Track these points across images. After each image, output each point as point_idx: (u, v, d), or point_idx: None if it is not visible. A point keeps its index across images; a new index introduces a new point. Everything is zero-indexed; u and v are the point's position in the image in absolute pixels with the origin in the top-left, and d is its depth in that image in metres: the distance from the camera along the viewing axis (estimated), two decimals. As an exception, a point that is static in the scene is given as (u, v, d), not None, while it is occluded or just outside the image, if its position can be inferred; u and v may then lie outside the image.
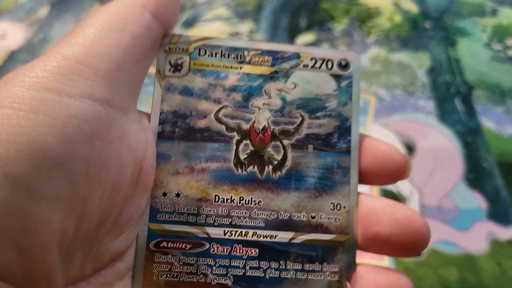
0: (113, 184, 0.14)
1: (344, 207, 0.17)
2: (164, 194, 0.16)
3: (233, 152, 0.16)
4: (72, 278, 0.14)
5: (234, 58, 0.17)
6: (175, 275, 0.16)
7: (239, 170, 0.16)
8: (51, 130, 0.12)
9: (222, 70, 0.17)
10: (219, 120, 0.17)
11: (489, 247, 0.38)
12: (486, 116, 0.51)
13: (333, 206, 0.17)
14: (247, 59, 0.17)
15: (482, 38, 0.64)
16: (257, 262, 0.16)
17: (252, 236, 0.16)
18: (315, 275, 0.16)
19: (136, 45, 0.15)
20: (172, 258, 0.16)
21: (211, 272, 0.16)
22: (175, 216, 0.16)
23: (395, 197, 0.41)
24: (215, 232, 0.16)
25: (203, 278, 0.16)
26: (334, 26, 0.63)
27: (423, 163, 0.45)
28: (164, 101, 0.16)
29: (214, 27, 0.61)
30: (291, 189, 0.17)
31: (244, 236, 0.16)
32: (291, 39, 0.60)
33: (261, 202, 0.16)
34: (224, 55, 0.17)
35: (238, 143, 0.17)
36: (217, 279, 0.16)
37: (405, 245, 0.16)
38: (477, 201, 0.42)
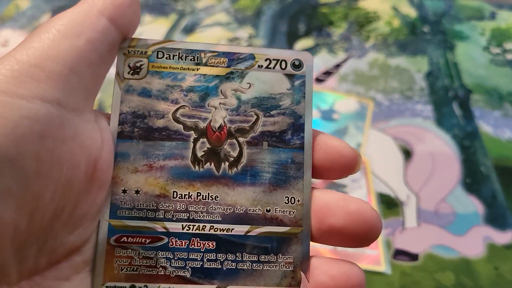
0: (65, 180, 0.14)
1: (298, 201, 0.17)
2: (124, 191, 0.17)
3: (191, 150, 0.17)
4: (27, 272, 0.14)
5: (191, 60, 0.18)
6: (135, 268, 0.16)
7: (196, 167, 0.17)
8: (2, 130, 0.13)
9: (180, 71, 0.18)
10: (176, 120, 0.17)
11: (486, 251, 0.38)
12: (484, 120, 0.51)
13: (287, 200, 0.17)
14: (204, 60, 0.18)
15: (481, 42, 0.64)
16: (214, 255, 0.17)
17: (209, 230, 0.17)
18: (271, 266, 0.17)
19: (91, 49, 0.15)
20: (132, 252, 0.16)
21: (170, 265, 0.16)
22: (134, 212, 0.17)
23: (392, 201, 0.42)
24: (174, 226, 0.17)
25: (162, 271, 0.16)
26: (333, 30, 0.64)
27: (420, 167, 0.45)
28: (124, 102, 0.17)
29: (213, 32, 0.61)
30: (246, 184, 0.17)
31: (201, 230, 0.17)
32: (290, 44, 0.61)
33: (217, 197, 0.17)
34: (181, 58, 0.18)
35: (195, 141, 0.17)
36: (176, 272, 0.16)
37: (357, 236, 0.16)
38: (474, 205, 0.42)
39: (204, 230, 0.17)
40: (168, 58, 0.18)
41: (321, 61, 0.57)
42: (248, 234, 0.17)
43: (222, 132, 0.17)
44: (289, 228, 0.17)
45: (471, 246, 0.39)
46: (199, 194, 0.17)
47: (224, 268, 0.17)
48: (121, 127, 0.17)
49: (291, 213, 0.17)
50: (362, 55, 0.60)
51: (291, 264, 0.17)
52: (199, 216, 0.17)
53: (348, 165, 0.17)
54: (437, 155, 0.46)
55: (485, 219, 0.41)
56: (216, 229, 0.17)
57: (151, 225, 0.17)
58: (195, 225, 0.17)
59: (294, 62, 0.18)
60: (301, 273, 0.17)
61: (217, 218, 0.17)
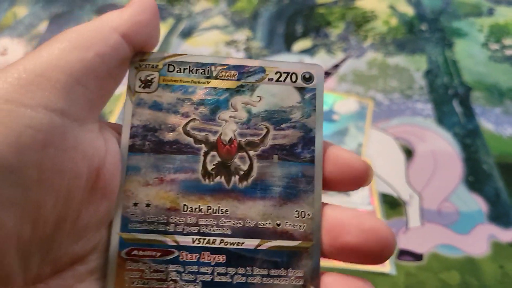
0: (67, 189, 0.14)
1: (309, 215, 0.17)
2: (135, 204, 0.17)
3: (201, 164, 0.17)
4: (31, 280, 0.14)
5: (201, 73, 0.18)
6: (146, 281, 0.16)
7: (207, 180, 0.17)
8: (4, 139, 0.13)
9: (190, 85, 0.18)
10: (187, 133, 0.17)
11: (490, 250, 0.38)
12: (485, 117, 0.51)
13: (298, 213, 0.17)
14: (214, 74, 0.18)
15: (479, 39, 0.64)
16: (225, 269, 0.17)
17: (219, 244, 0.17)
18: (281, 280, 0.17)
19: (100, 63, 0.15)
20: (143, 266, 0.16)
21: (181, 278, 0.16)
22: (145, 225, 0.17)
23: (395, 201, 0.41)
24: (184, 240, 0.17)
25: (172, 285, 0.16)
26: (330, 31, 0.63)
27: (422, 167, 0.45)
28: (135, 115, 0.17)
29: (211, 36, 0.61)
30: (257, 198, 0.17)
31: (212, 244, 0.17)
32: (287, 45, 0.60)
33: (228, 210, 0.17)
34: (192, 71, 0.18)
35: (206, 154, 0.17)
36: (186, 285, 0.16)
37: (372, 254, 0.16)
38: (477, 203, 0.42)
39: (214, 244, 0.17)
40: (179, 71, 0.18)
41: (319, 62, 0.57)
42: (258, 248, 0.17)
43: (232, 145, 0.17)
44: (299, 242, 0.17)
45: (476, 244, 0.39)
46: (209, 207, 0.17)
47: (234, 282, 0.17)
48: (132, 140, 0.17)
49: (302, 227, 0.17)
50: (361, 55, 0.59)
51: (302, 279, 0.17)
52: (210, 230, 0.17)
53: (359, 178, 0.17)
54: (439, 154, 0.46)
55: (489, 217, 0.41)
56: (226, 243, 0.17)
57: (162, 239, 0.17)
58: (205, 239, 0.17)
59: (305, 75, 0.18)
60: (311, 287, 0.17)
61: (227, 232, 0.17)
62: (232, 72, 0.18)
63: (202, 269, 0.17)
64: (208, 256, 0.17)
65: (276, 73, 0.18)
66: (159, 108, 0.17)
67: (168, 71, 0.18)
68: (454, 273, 0.37)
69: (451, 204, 0.41)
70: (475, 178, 0.44)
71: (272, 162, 0.17)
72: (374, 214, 0.17)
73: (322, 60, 0.58)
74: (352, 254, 0.16)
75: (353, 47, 0.61)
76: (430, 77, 0.56)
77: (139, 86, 0.17)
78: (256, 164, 0.17)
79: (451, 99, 0.53)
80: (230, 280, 0.17)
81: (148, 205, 0.17)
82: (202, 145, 0.17)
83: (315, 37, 0.62)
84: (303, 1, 0.70)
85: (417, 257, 0.38)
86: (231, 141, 0.17)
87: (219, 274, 0.17)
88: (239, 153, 0.17)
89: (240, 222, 0.17)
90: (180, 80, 0.18)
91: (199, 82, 0.18)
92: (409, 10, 0.68)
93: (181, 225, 0.17)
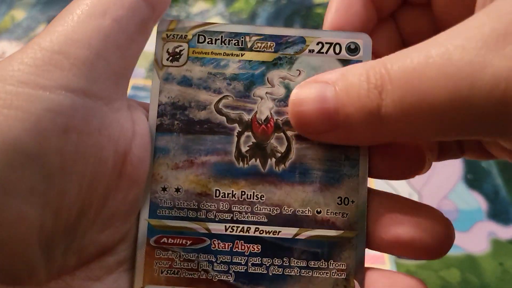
0: (91, 176, 0.14)
1: (352, 202, 0.16)
2: (164, 189, 0.16)
3: (234, 145, 0.16)
4: (56, 271, 0.14)
5: (235, 44, 0.16)
6: (176, 271, 0.15)
7: (241, 163, 0.16)
8: (24, 124, 0.12)
9: (222, 57, 0.16)
10: (219, 111, 0.16)
11: (490, 247, 0.38)
12: (483, 115, 0.51)
13: (340, 200, 0.16)
14: (249, 45, 0.16)
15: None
16: (260, 259, 0.16)
17: (254, 232, 0.16)
18: (321, 273, 0.16)
19: (119, 30, 0.14)
20: (173, 254, 0.16)
21: (212, 268, 0.16)
22: (175, 211, 0.16)
23: (394, 200, 0.42)
24: (216, 227, 0.16)
25: (204, 275, 0.15)
26: (329, 30, 0.63)
27: (421, 165, 0.45)
28: (163, 92, 0.16)
29: (209, 37, 0.61)
30: (295, 183, 0.16)
31: (246, 232, 0.16)
32: (286, 45, 0.61)
33: (263, 196, 0.16)
34: (224, 42, 0.16)
35: (240, 135, 0.16)
36: (219, 276, 0.16)
37: (427, 248, 0.15)
38: (476, 201, 0.42)
39: (248, 232, 0.16)
40: (210, 42, 0.16)
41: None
42: (296, 237, 0.16)
43: (269, 125, 0.16)
44: (342, 231, 0.16)
45: (475, 242, 0.39)
46: (243, 193, 0.16)
47: (270, 274, 0.16)
48: (160, 119, 0.16)
49: (345, 215, 0.16)
50: (359, 54, 0.59)
51: (344, 272, 0.16)
52: (243, 217, 0.16)
53: (414, 164, 0.16)
54: (438, 152, 0.46)
55: (488, 215, 0.41)
56: (261, 231, 0.16)
57: (193, 226, 0.16)
58: (239, 227, 0.16)
59: (350, 45, 0.16)
60: (355, 282, 0.16)
61: (263, 220, 0.16)
62: (269, 43, 0.16)
63: (235, 259, 0.16)
64: (242, 245, 0.16)
65: (318, 43, 0.16)
66: (189, 83, 0.16)
67: (198, 42, 0.16)
68: (454, 271, 0.37)
69: (450, 202, 0.42)
70: (474, 176, 0.44)
71: (312, 143, 0.16)
72: (430, 207, 0.16)
73: (320, 59, 0.58)
74: (405, 248, 0.15)
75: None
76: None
77: (167, 59, 0.16)
78: (294, 146, 0.16)
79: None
80: (265, 272, 0.16)
81: (177, 189, 0.16)
82: (236, 125, 0.16)
83: (313, 37, 0.62)
84: (300, 1, 0.70)
85: (417, 255, 0.38)
86: (267, 120, 0.16)
87: (253, 264, 0.16)
88: (276, 134, 0.16)
89: (276, 209, 0.16)
90: (212, 52, 0.16)
91: (232, 54, 0.16)
92: (406, 9, 0.69)
93: (213, 211, 0.16)
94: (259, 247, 0.16)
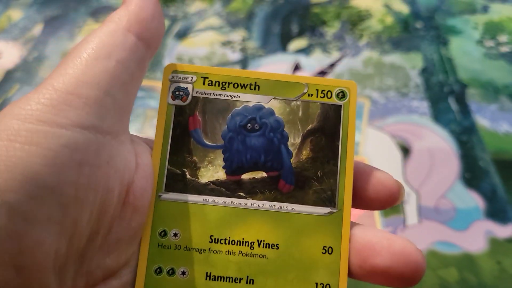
0: (100, 204, 0.15)
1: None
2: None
3: None
4: None
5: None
6: None
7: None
8: (43, 160, 0.13)
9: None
10: None
11: (488, 246, 0.38)
12: (480, 114, 0.51)
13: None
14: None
15: (474, 36, 0.64)
16: None
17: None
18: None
19: (122, 69, 0.15)
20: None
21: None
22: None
23: (392, 199, 0.42)
24: None
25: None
26: (326, 30, 0.63)
27: (419, 164, 0.45)
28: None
29: (206, 36, 0.61)
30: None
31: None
32: (283, 45, 0.61)
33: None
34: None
35: None
36: None
37: (402, 277, 0.16)
38: (474, 200, 0.42)
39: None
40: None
41: (315, 61, 0.57)
42: None
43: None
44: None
45: (473, 241, 0.39)
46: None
47: None
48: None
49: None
50: (356, 53, 0.59)
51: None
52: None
53: (393, 196, 0.17)
54: (435, 151, 0.46)
55: (486, 214, 0.41)
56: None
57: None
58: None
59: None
60: None
61: None
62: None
63: None
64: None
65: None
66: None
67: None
68: (452, 270, 0.37)
69: (448, 201, 0.42)
70: (471, 175, 0.44)
71: None
72: (404, 237, 0.17)
73: (318, 59, 0.58)
74: (382, 277, 0.16)
75: (349, 46, 0.61)
76: (425, 75, 0.56)
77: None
78: None
79: (446, 97, 0.53)
80: None
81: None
82: None
83: (310, 36, 0.62)
84: (298, 1, 0.70)
85: (415, 254, 0.38)
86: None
87: None
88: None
89: None
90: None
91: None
92: (404, 8, 0.69)
93: None
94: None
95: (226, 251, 0.16)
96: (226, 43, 0.60)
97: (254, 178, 0.17)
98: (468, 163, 0.45)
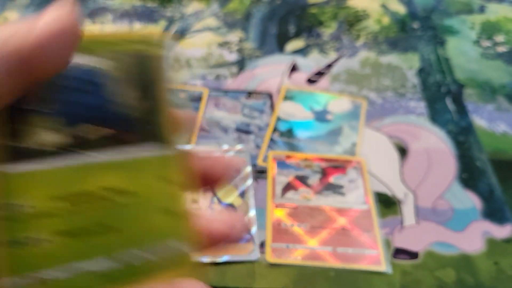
0: None
1: None
2: None
3: None
4: None
5: None
6: None
7: None
8: None
9: None
10: None
11: (485, 247, 0.39)
12: (477, 114, 0.51)
13: None
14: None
15: (471, 36, 0.64)
16: None
17: None
18: None
19: None
20: None
21: None
22: None
23: (389, 200, 0.42)
24: None
25: None
26: (323, 30, 0.64)
27: (416, 165, 0.45)
28: None
29: (203, 37, 0.61)
30: None
31: None
32: (280, 46, 0.61)
33: None
34: None
35: None
36: None
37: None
38: (471, 201, 0.42)
39: None
40: None
41: (312, 62, 0.58)
42: None
43: None
44: None
45: (471, 241, 0.39)
46: None
47: None
48: None
49: None
50: (353, 54, 0.60)
51: None
52: None
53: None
54: (433, 151, 0.46)
55: (483, 214, 0.41)
56: None
57: None
58: None
59: None
60: None
61: None
62: None
63: None
64: None
65: None
66: None
67: None
68: (449, 271, 0.37)
69: (446, 202, 0.42)
70: (469, 175, 0.44)
71: None
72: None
73: (315, 60, 0.58)
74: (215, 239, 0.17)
75: (346, 46, 0.61)
76: (422, 75, 0.56)
77: None
78: None
79: (443, 97, 0.53)
80: None
81: None
82: None
83: (307, 37, 0.62)
84: (295, 1, 0.70)
85: (413, 255, 0.38)
86: None
87: None
88: None
89: None
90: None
91: None
92: (400, 9, 0.69)
93: None
94: None
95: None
96: (223, 44, 0.60)
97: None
98: (465, 164, 0.45)
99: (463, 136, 0.48)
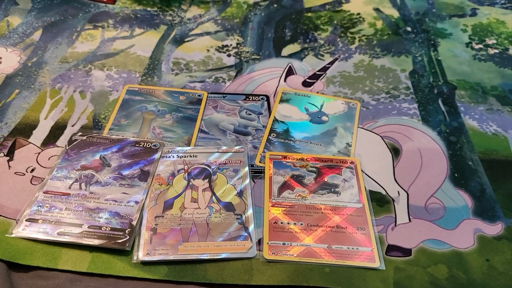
0: None
1: None
2: None
3: None
4: None
5: None
6: None
7: None
8: None
9: None
10: None
11: (476, 244, 0.39)
12: (469, 115, 0.52)
13: None
14: None
15: (463, 38, 0.65)
16: None
17: None
18: None
19: None
20: None
21: None
22: None
23: (383, 198, 0.42)
24: None
25: None
26: (318, 34, 0.64)
27: (409, 164, 0.46)
28: None
29: (202, 41, 0.62)
30: None
31: None
32: (277, 50, 0.61)
33: None
34: None
35: None
36: None
37: None
38: (463, 199, 0.43)
39: None
40: None
41: (308, 65, 0.58)
42: None
43: None
44: None
45: (462, 239, 0.39)
46: None
47: None
48: None
49: None
50: (348, 57, 0.60)
51: None
52: None
53: None
54: (425, 151, 0.47)
55: (474, 212, 0.42)
56: None
57: None
58: None
59: None
60: None
61: None
62: None
63: None
64: None
65: None
66: None
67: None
68: (441, 267, 0.37)
69: (438, 200, 0.42)
70: (460, 175, 0.45)
71: None
72: None
73: (311, 63, 0.59)
74: None
75: (341, 49, 0.62)
76: (415, 77, 0.57)
77: None
78: None
79: (436, 98, 0.54)
80: None
81: None
82: None
83: (303, 40, 0.63)
84: (291, 6, 0.71)
85: (406, 252, 0.38)
86: None
87: None
88: None
89: None
90: None
91: None
92: (394, 12, 0.70)
93: None
94: None
95: None
96: (222, 48, 0.61)
97: None
98: (457, 163, 0.46)
99: (455, 137, 0.49)
